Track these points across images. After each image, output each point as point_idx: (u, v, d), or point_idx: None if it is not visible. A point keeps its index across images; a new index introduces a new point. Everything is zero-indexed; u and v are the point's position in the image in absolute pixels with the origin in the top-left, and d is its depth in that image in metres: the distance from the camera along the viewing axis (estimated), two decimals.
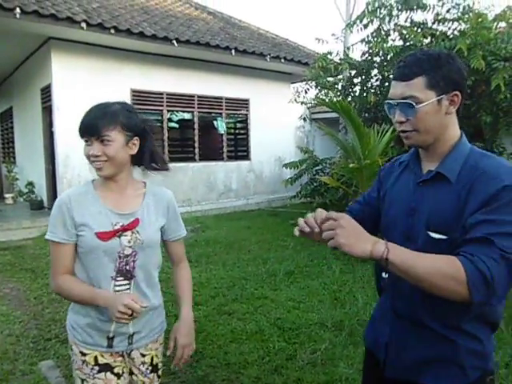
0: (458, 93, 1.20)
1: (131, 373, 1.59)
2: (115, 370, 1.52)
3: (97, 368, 1.49)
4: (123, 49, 8.09)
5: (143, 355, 1.60)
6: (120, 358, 1.55)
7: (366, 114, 7.31)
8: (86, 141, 1.46)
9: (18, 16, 6.25)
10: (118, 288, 1.50)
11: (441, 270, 1.03)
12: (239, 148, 10.81)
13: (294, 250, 6.12)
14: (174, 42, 7.91)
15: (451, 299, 1.06)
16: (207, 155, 9.87)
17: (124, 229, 1.49)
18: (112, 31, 7.22)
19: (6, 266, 5.43)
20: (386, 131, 6.11)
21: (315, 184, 8.35)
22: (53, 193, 8.41)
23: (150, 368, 1.61)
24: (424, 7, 6.32)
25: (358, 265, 5.10)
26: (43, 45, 7.81)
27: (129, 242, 1.49)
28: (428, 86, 1.17)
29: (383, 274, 1.25)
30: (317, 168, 8.52)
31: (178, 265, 1.73)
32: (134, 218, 1.52)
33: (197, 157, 9.50)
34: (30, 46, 8.05)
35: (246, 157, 10.56)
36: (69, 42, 7.56)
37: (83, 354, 1.51)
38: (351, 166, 5.72)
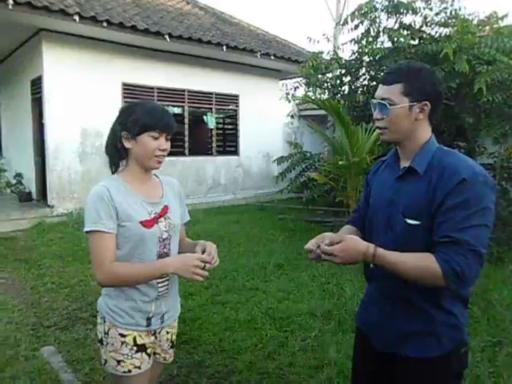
0: (427, 103, 1.40)
1: (154, 353, 1.77)
2: (148, 351, 1.69)
3: (135, 348, 1.64)
4: (115, 42, 8.12)
5: (167, 332, 1.79)
6: (152, 338, 1.71)
7: (355, 113, 7.50)
8: (155, 136, 1.59)
9: (10, 7, 6.23)
10: None
11: (421, 270, 1.30)
12: (228, 143, 10.94)
13: (282, 243, 6.29)
14: (167, 36, 7.97)
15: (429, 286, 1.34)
16: (196, 150, 9.97)
17: (159, 216, 1.65)
18: (104, 24, 7.23)
19: None
20: (374, 129, 6.30)
21: (303, 179, 8.54)
22: (42, 185, 8.40)
23: (170, 344, 1.81)
24: (413, 10, 6.52)
25: None
26: (34, 36, 7.79)
27: (165, 227, 1.66)
28: (403, 93, 1.40)
29: (370, 265, 1.46)
30: (305, 163, 8.71)
31: (183, 239, 1.87)
32: (163, 206, 1.69)
33: (186, 151, 9.60)
34: (20, 37, 8.02)
35: (235, 152, 10.69)
36: (60, 34, 7.55)
37: (123, 336, 1.63)
38: (340, 163, 5.90)
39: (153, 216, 1.63)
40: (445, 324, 1.42)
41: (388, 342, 1.50)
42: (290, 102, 8.71)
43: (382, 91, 1.44)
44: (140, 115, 1.59)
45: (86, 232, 1.56)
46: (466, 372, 2.68)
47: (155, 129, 1.58)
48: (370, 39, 6.76)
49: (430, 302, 1.41)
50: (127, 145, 1.62)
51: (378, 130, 1.52)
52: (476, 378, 2.73)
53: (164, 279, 1.68)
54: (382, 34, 6.85)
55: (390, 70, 1.48)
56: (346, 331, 3.42)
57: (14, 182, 9.07)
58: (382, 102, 1.42)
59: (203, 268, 1.51)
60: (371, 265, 1.41)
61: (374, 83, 7.16)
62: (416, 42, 6.61)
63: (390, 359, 1.51)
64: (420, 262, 1.30)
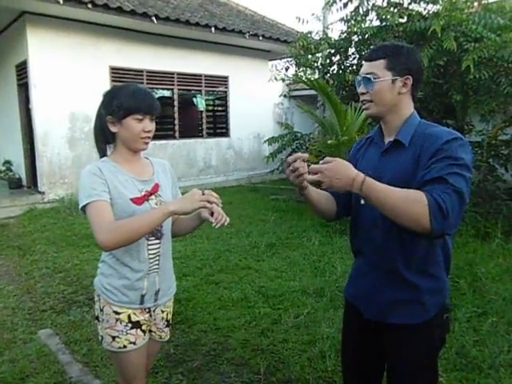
0: (409, 77, 1.49)
1: (150, 331, 1.81)
2: (143, 328, 1.73)
3: (130, 325, 1.68)
4: (101, 24, 7.98)
5: (162, 311, 1.82)
6: (147, 315, 1.75)
7: (344, 92, 7.49)
8: (139, 119, 1.62)
9: None
10: (150, 247, 1.69)
11: (407, 201, 1.30)
12: (218, 125, 10.90)
13: (274, 223, 6.36)
14: (154, 18, 7.84)
15: (414, 229, 1.31)
16: (187, 132, 9.93)
17: (150, 193, 1.68)
18: (89, 6, 7.10)
19: None
20: (363, 109, 6.30)
21: None
22: (32, 171, 8.35)
23: (165, 323, 1.86)
24: None
25: (336, 236, 5.38)
26: (17, 19, 7.63)
27: (156, 204, 1.67)
28: (386, 68, 1.48)
29: (361, 201, 1.52)
30: (296, 143, 8.72)
31: (178, 217, 1.87)
32: (153, 184, 1.72)
33: (177, 134, 9.56)
34: (3, 21, 7.86)
35: (226, 134, 10.66)
36: (45, 16, 7.40)
37: (117, 313, 1.67)
38: (330, 142, 5.94)
39: (143, 193, 1.67)
40: (430, 290, 1.49)
41: (376, 311, 1.57)
42: (283, 81, 8.67)
43: (366, 67, 1.52)
44: (123, 99, 1.61)
45: (83, 208, 1.56)
46: (451, 341, 2.79)
47: (139, 111, 1.61)
48: (359, 18, 6.72)
49: (416, 272, 1.48)
50: (113, 129, 1.65)
51: (363, 106, 1.58)
52: (462, 347, 2.82)
53: (155, 254, 1.70)
54: (370, 12, 6.80)
55: (375, 47, 1.56)
56: (338, 307, 3.50)
57: (3, 169, 8.99)
58: (366, 76, 1.50)
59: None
60: (361, 201, 1.48)
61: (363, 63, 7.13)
62: (404, 19, 6.57)
63: (378, 328, 1.58)
64: (408, 193, 1.31)
